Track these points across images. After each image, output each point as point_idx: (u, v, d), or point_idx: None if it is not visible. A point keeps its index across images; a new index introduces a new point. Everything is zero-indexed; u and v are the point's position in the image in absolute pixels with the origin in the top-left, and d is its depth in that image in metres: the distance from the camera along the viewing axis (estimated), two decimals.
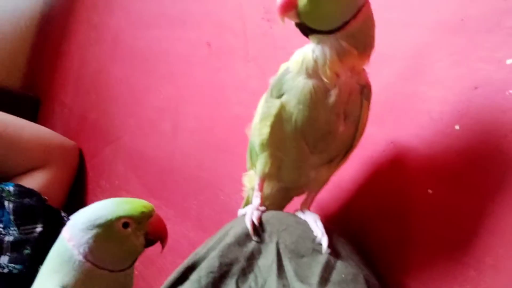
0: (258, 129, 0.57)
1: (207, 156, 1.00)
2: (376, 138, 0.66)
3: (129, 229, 0.53)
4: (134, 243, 0.54)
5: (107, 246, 0.52)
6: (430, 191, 0.60)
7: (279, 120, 0.55)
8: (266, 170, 0.59)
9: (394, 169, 0.65)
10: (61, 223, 1.22)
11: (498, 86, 0.55)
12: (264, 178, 0.61)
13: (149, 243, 0.57)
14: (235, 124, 0.94)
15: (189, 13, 1.11)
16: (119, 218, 0.52)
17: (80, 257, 0.51)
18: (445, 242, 0.57)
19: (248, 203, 0.70)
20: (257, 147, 0.59)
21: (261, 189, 0.62)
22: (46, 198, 1.21)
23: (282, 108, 0.54)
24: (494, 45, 0.56)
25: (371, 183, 0.68)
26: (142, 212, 0.54)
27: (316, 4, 0.50)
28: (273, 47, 0.87)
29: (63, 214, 1.24)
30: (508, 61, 0.54)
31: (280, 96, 0.55)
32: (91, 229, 0.51)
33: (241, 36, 0.94)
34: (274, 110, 0.55)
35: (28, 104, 1.72)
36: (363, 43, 0.52)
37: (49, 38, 1.82)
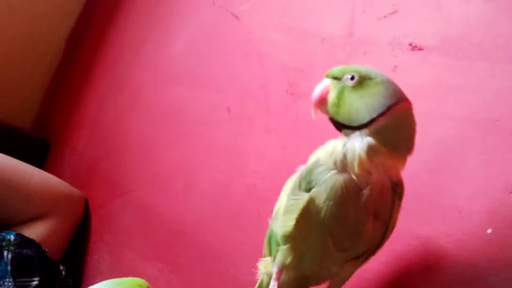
0: (282, 221, 0.55)
1: (219, 222, 0.97)
2: (401, 231, 0.63)
3: None
4: None
5: None
6: None
7: (307, 214, 0.53)
8: (287, 262, 0.56)
9: (420, 266, 0.62)
10: (58, 276, 1.18)
11: None
12: (282, 268, 0.58)
13: None
14: (251, 193, 0.92)
15: (212, 75, 1.12)
16: None
17: None
18: None
19: (262, 287, 0.67)
20: (279, 238, 0.57)
21: (278, 279, 0.59)
22: (46, 249, 1.18)
23: (311, 202, 0.52)
24: None
25: (394, 278, 0.64)
26: None
27: (341, 101, 0.51)
28: (295, 120, 0.86)
29: (61, 267, 1.20)
30: None
31: (309, 189, 0.53)
32: None
33: (263, 105, 0.94)
34: (301, 204, 0.53)
35: (37, 147, 1.71)
36: (394, 142, 0.51)
37: (68, 80, 1.84)
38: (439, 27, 0.69)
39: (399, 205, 0.55)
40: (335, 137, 0.55)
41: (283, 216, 0.55)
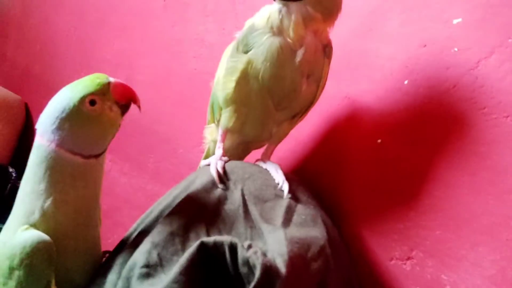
0: (223, 84, 0.59)
1: (163, 110, 1.00)
2: (332, 93, 0.70)
3: (98, 105, 0.49)
4: (110, 116, 0.51)
5: (84, 132, 0.49)
6: (379, 141, 0.65)
7: (245, 76, 0.56)
8: (230, 124, 0.61)
9: (348, 122, 0.69)
10: (9, 179, 1.19)
11: (444, 44, 0.60)
12: (227, 131, 0.64)
13: (123, 109, 0.53)
14: (192, 78, 0.95)
15: None
16: (83, 100, 0.48)
17: (53, 147, 0.48)
18: (390, 186, 0.63)
19: (208, 155, 0.73)
20: (221, 102, 0.61)
21: (223, 140, 0.64)
22: None
23: (249, 63, 0.56)
24: (442, 5, 0.61)
25: (326, 135, 0.72)
26: (100, 83, 0.50)
27: None
28: (232, 2, 0.87)
29: (10, 170, 1.20)
30: (455, 21, 0.59)
31: (247, 51, 0.56)
32: (63, 123, 0.48)
33: None
34: (241, 65, 0.56)
35: None
36: (329, 9, 0.55)
37: None
38: None
39: (329, 64, 0.60)
40: None
41: (223, 78, 0.59)
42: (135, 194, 1.04)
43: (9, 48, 1.51)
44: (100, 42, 1.17)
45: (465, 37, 0.58)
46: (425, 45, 0.62)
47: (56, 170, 0.49)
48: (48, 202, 0.49)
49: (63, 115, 0.48)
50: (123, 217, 1.06)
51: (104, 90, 0.50)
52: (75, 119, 0.49)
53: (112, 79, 0.52)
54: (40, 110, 0.51)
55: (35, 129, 0.51)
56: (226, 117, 0.62)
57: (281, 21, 0.55)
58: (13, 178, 1.18)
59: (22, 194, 0.51)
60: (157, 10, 1.02)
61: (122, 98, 0.52)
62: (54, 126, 0.48)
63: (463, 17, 0.59)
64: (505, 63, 0.55)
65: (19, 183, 0.54)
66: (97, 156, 0.52)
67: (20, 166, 1.34)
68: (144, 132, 1.03)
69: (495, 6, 0.56)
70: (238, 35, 0.59)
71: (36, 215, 0.49)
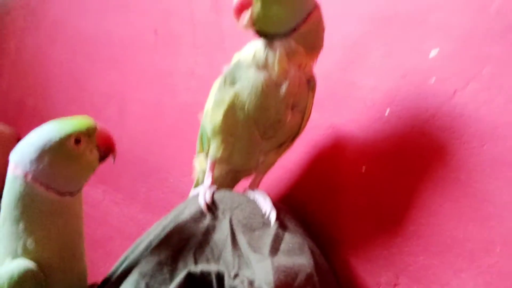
0: (211, 115, 0.61)
1: (154, 141, 1.02)
2: (317, 123, 0.72)
3: (82, 145, 0.51)
4: (89, 158, 0.53)
5: (62, 167, 0.50)
6: (363, 169, 0.67)
7: (232, 108, 0.59)
8: (218, 154, 0.63)
9: (333, 151, 0.71)
10: None
11: (423, 75, 0.63)
12: (215, 161, 0.65)
13: (102, 157, 0.55)
14: (183, 110, 0.97)
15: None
16: (69, 136, 0.50)
17: (29, 179, 0.49)
18: (375, 213, 0.65)
19: (198, 184, 0.74)
20: (209, 132, 0.63)
21: (212, 170, 0.66)
22: None
23: (235, 96, 0.58)
24: (420, 38, 0.64)
25: (312, 163, 0.74)
26: (89, 125, 0.53)
27: (267, 11, 0.55)
28: (221, 35, 0.90)
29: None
30: (432, 52, 0.62)
31: (234, 85, 0.59)
32: (44, 155, 0.49)
33: (189, 24, 0.96)
34: (228, 98, 0.58)
35: None
36: (311, 44, 0.58)
37: None
38: None
39: (313, 96, 0.63)
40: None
41: (212, 110, 0.61)
42: (127, 223, 1.04)
43: (3, 80, 1.53)
44: (93, 75, 1.20)
45: (442, 69, 0.61)
46: (405, 76, 0.64)
47: (33, 208, 0.50)
48: (30, 241, 0.50)
49: (46, 147, 0.49)
50: (116, 246, 1.06)
51: (90, 132, 0.53)
52: (57, 153, 0.50)
53: (98, 125, 0.55)
54: None
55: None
56: (215, 147, 0.63)
57: (266, 56, 0.57)
58: None
59: (1, 234, 0.51)
60: (149, 43, 1.05)
61: (104, 144, 0.55)
62: (33, 157, 0.49)
63: (439, 50, 0.62)
64: (480, 93, 0.57)
65: None
66: (71, 194, 0.53)
67: None
68: (136, 162, 1.04)
69: (469, 39, 0.59)
70: (226, 69, 0.61)
71: (19, 253, 0.50)
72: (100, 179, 1.11)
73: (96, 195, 1.10)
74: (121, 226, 1.06)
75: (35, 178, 0.49)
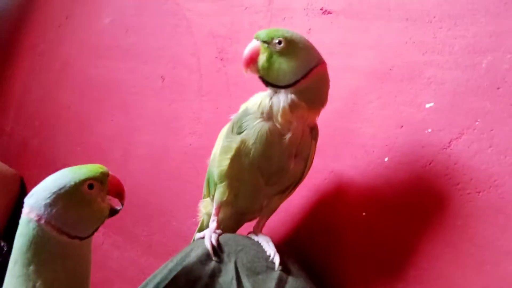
0: (218, 161, 0.64)
1: (158, 184, 1.04)
2: (319, 168, 0.75)
3: (95, 190, 0.54)
4: (101, 205, 0.55)
5: (75, 211, 0.52)
6: (364, 213, 0.69)
7: (238, 154, 0.62)
8: (224, 198, 0.65)
9: (334, 195, 0.74)
10: (0, 253, 1.18)
11: (419, 125, 0.66)
12: (221, 205, 0.67)
13: (111, 213, 0.58)
14: (188, 154, 0.99)
15: (143, 46, 1.16)
16: (84, 181, 0.53)
17: (42, 222, 0.50)
18: (377, 257, 0.66)
19: (203, 227, 0.75)
20: (216, 177, 0.65)
21: (218, 214, 0.67)
22: None
23: (242, 143, 0.61)
24: (416, 91, 0.68)
25: (314, 207, 0.76)
26: (102, 171, 0.55)
27: (271, 65, 0.59)
28: (226, 83, 0.94)
29: (2, 243, 1.20)
30: (427, 105, 0.66)
31: (240, 133, 0.62)
32: (58, 200, 0.51)
33: (195, 71, 1.01)
34: (234, 145, 0.61)
35: None
36: (312, 99, 0.61)
37: None
38: None
39: (315, 145, 0.66)
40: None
41: (219, 156, 0.64)
42: (128, 267, 1.04)
43: (8, 122, 1.57)
44: (99, 118, 1.23)
45: (437, 120, 0.65)
46: (402, 126, 0.68)
47: (45, 251, 0.51)
48: (39, 283, 0.51)
49: (61, 191, 0.52)
50: None
51: (103, 179, 0.56)
52: (71, 198, 0.52)
53: (110, 172, 0.58)
54: (36, 185, 0.55)
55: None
56: (221, 191, 0.66)
57: (271, 107, 0.61)
58: (4, 252, 1.18)
59: (10, 276, 0.52)
60: (156, 89, 1.10)
61: (115, 191, 0.59)
62: (47, 201, 0.51)
63: (434, 102, 0.66)
64: (473, 143, 0.61)
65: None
66: (81, 238, 0.54)
67: (12, 240, 1.34)
68: (139, 204, 1.06)
69: (462, 93, 0.63)
70: (233, 117, 0.64)
71: None
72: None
73: (95, 238, 1.10)
74: (121, 270, 1.05)
75: (48, 221, 0.51)
